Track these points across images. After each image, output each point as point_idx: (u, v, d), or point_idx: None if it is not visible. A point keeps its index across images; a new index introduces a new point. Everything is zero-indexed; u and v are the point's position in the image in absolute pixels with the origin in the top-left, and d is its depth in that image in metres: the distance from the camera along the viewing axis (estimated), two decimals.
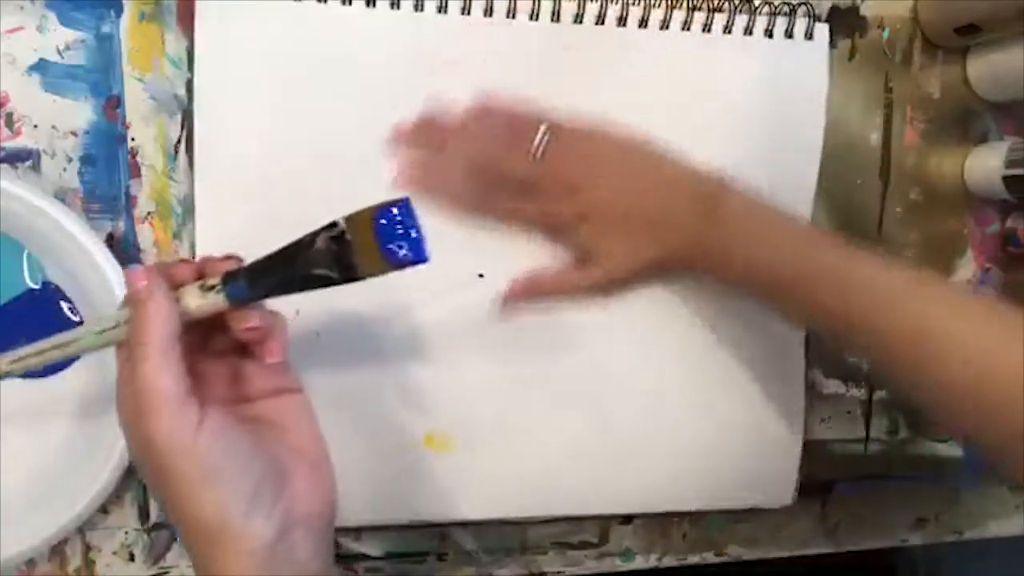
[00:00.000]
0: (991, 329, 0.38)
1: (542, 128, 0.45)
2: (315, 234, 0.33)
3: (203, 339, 0.36)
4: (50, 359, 0.35)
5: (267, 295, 0.34)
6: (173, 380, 0.32)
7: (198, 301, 0.33)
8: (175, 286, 0.34)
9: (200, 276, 0.34)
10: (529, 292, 0.47)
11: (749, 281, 0.45)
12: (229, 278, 0.33)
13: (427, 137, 0.46)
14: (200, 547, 0.33)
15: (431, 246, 0.33)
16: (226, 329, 0.35)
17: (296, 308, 0.44)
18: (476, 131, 0.46)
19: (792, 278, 0.43)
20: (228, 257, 0.35)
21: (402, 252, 0.32)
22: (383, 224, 0.32)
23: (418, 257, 0.32)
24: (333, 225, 0.32)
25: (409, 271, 0.33)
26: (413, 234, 0.32)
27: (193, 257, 0.45)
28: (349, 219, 0.32)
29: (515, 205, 0.46)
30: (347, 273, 0.33)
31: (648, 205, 0.45)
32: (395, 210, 0.32)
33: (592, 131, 0.46)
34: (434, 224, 0.46)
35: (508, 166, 0.46)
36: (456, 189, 0.46)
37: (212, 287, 0.33)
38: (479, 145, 0.46)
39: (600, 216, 0.46)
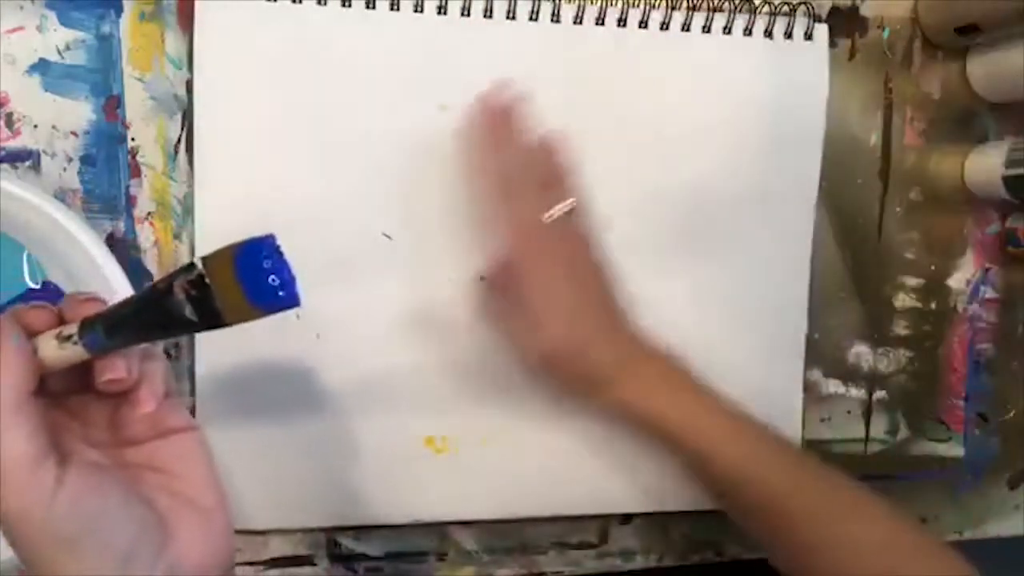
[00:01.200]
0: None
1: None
2: (172, 277, 0.29)
3: (83, 377, 0.32)
4: None
5: (127, 343, 0.30)
6: (24, 443, 0.28)
7: (55, 352, 0.30)
8: (32, 333, 0.30)
9: (61, 321, 0.31)
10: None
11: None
12: (86, 327, 0.30)
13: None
14: None
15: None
16: None
17: (296, 311, 0.44)
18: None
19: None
20: (90, 299, 0.31)
21: (269, 296, 0.28)
22: (245, 266, 0.28)
23: (289, 301, 0.29)
24: (191, 267, 0.29)
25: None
26: (281, 275, 0.28)
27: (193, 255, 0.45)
28: (207, 260, 0.29)
29: None
30: (210, 320, 0.29)
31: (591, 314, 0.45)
32: (258, 249, 0.28)
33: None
34: (436, 226, 0.47)
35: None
36: None
37: (69, 337, 0.30)
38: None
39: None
